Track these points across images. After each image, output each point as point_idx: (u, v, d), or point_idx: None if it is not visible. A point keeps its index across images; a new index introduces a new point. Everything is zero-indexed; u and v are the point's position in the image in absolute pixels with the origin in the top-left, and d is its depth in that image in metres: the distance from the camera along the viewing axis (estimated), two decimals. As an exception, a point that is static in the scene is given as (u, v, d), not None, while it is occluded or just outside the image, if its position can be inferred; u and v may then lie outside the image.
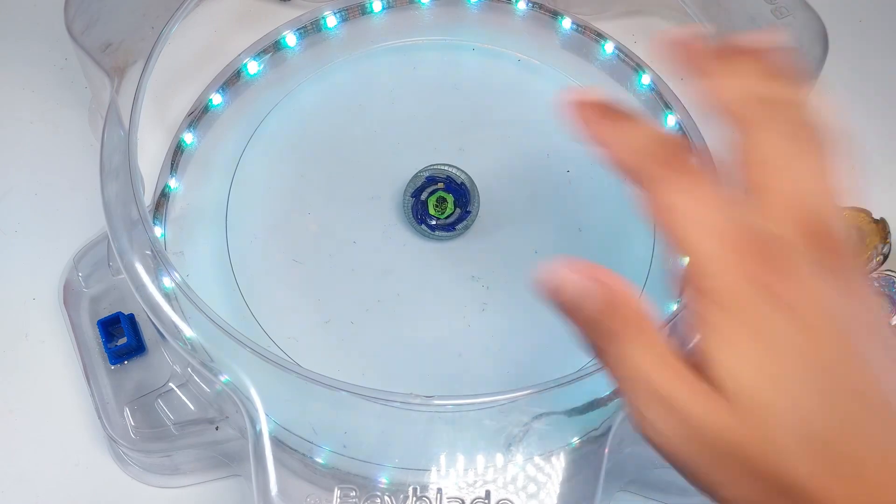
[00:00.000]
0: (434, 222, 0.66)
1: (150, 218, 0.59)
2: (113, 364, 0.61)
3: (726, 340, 0.32)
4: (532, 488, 0.55)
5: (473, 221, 0.67)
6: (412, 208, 0.67)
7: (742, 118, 0.35)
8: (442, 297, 0.65)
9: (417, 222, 0.67)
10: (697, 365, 0.33)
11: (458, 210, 0.66)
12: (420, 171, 0.67)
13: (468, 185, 0.66)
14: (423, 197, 0.67)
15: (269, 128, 0.72)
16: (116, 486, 0.60)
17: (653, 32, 0.76)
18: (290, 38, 0.74)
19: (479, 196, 0.67)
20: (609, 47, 0.74)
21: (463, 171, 0.67)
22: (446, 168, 0.67)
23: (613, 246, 0.68)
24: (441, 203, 0.66)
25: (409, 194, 0.67)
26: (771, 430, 0.30)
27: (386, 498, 0.55)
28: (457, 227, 0.66)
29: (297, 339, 0.64)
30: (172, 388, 0.60)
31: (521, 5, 0.76)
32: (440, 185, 0.67)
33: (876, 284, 0.66)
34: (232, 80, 0.73)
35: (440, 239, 0.67)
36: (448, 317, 0.65)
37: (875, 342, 0.31)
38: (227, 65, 0.74)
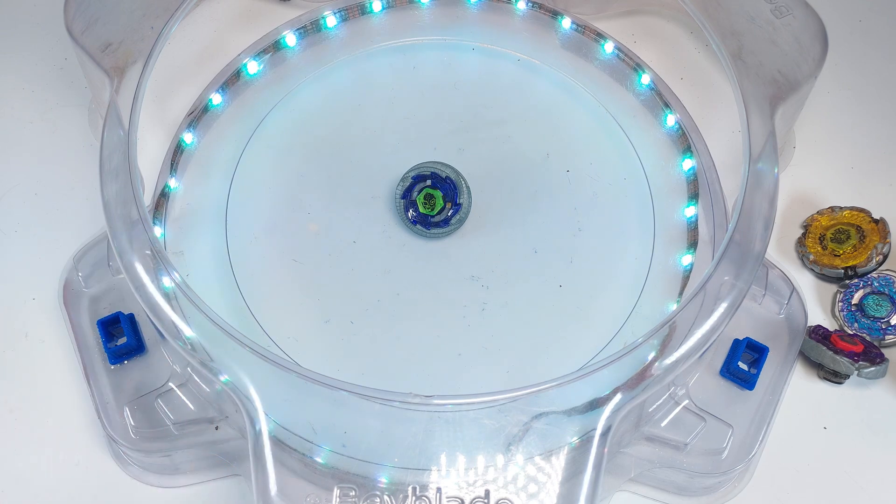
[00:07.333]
0: (428, 220, 0.66)
1: (150, 218, 0.59)
2: (113, 364, 0.61)
3: None
4: (532, 488, 0.55)
5: (467, 215, 0.67)
6: (404, 209, 0.67)
7: None
8: (441, 297, 0.65)
9: (412, 223, 0.67)
10: None
11: (448, 204, 0.66)
12: (407, 173, 0.67)
13: (454, 178, 0.66)
14: (412, 197, 0.67)
15: (269, 128, 0.72)
16: (116, 485, 0.60)
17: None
18: (290, 38, 0.74)
19: (468, 187, 0.67)
20: (609, 47, 0.74)
21: (448, 165, 0.67)
22: (430, 165, 0.67)
23: (613, 246, 0.67)
24: (429, 199, 0.66)
25: (399, 196, 0.67)
26: None
27: (385, 497, 0.55)
28: (451, 222, 0.66)
29: (297, 339, 0.64)
30: (172, 388, 0.60)
31: (521, 5, 0.76)
32: (427, 182, 0.66)
33: (876, 284, 0.66)
34: (232, 80, 0.73)
35: (438, 237, 0.67)
36: (448, 317, 0.65)
37: None
38: (227, 65, 0.74)
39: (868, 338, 0.64)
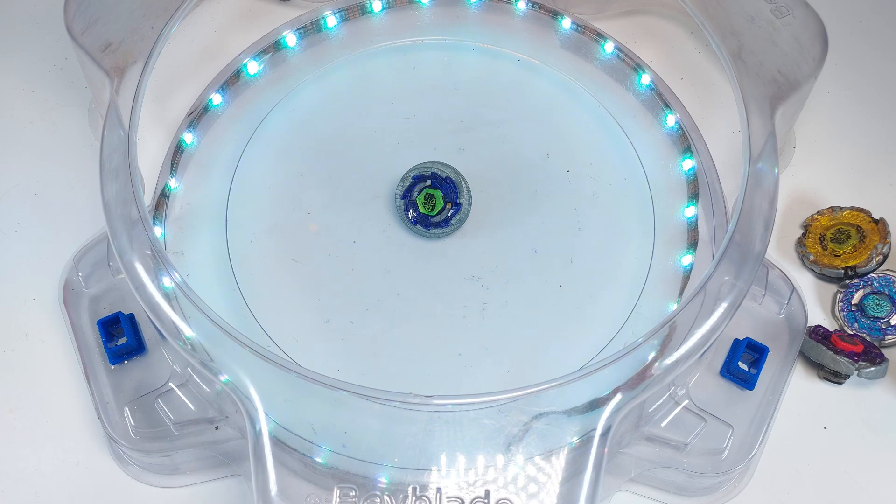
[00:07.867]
0: (428, 220, 0.66)
1: (150, 218, 0.59)
2: (113, 364, 0.61)
3: None
4: (532, 488, 0.55)
5: (467, 215, 0.67)
6: (405, 210, 0.67)
7: None
8: (441, 297, 0.65)
9: (412, 223, 0.67)
10: None
11: (448, 204, 0.66)
12: (407, 173, 0.67)
13: (454, 179, 0.66)
14: (412, 197, 0.67)
15: (269, 128, 0.72)
16: (116, 485, 0.60)
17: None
18: (290, 38, 0.74)
19: (468, 188, 0.67)
20: (609, 47, 0.74)
21: (448, 165, 0.67)
22: (430, 165, 0.67)
23: (613, 246, 0.67)
24: (430, 200, 0.66)
25: (399, 197, 0.67)
26: None
27: (385, 497, 0.55)
28: (451, 222, 0.66)
29: (297, 339, 0.64)
30: (172, 388, 0.60)
31: (521, 5, 0.76)
32: (427, 182, 0.66)
33: (876, 284, 0.66)
34: (232, 80, 0.73)
35: (438, 237, 0.67)
36: (448, 317, 0.65)
37: None
38: (227, 65, 0.74)
39: (868, 338, 0.64)
